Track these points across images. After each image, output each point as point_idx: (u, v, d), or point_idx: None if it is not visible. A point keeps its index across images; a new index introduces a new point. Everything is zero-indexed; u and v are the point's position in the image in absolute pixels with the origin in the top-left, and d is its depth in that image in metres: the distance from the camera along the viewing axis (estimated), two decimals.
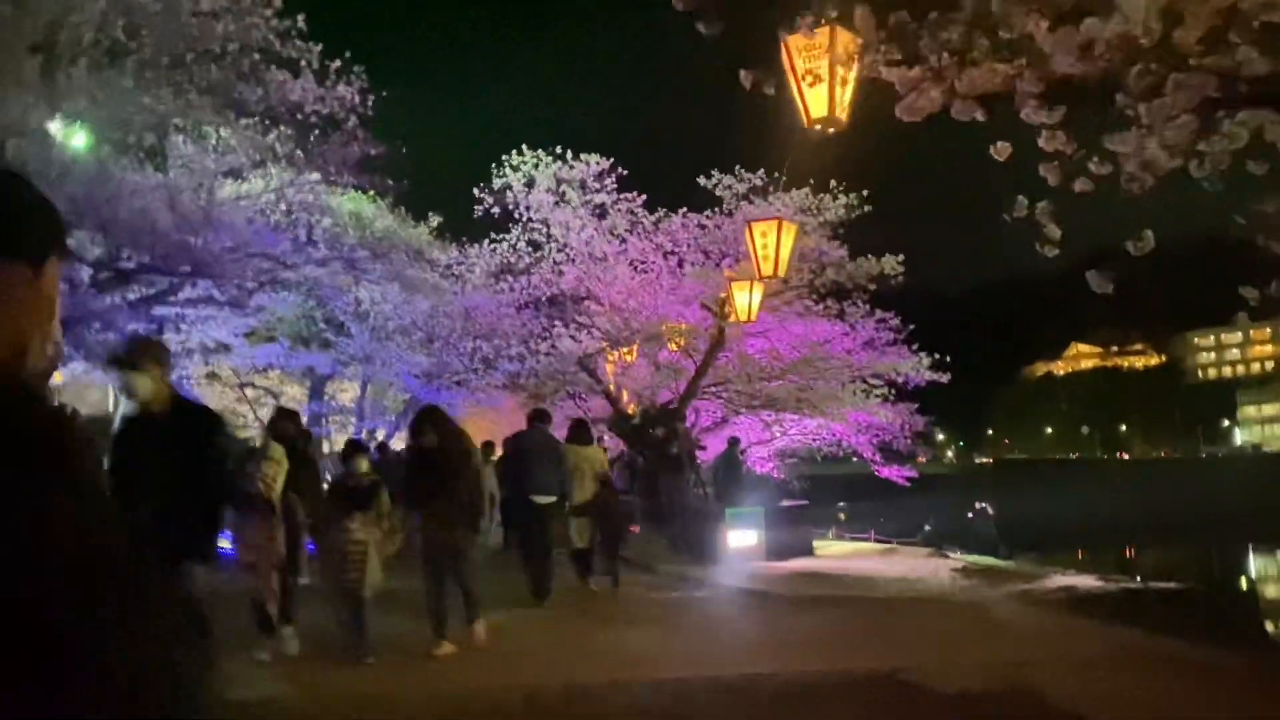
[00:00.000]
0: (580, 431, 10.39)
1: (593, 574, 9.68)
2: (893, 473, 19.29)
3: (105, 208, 10.69)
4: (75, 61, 10.14)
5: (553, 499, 9.12)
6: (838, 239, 12.24)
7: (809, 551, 11.08)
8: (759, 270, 5.79)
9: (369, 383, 21.98)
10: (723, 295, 11.89)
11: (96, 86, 10.18)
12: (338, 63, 11.04)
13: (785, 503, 11.73)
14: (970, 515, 20.53)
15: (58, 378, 22.86)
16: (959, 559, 10.75)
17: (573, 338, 15.94)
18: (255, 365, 20.46)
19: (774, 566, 10.26)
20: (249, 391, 24.91)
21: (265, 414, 24.96)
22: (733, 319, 11.47)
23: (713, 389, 13.94)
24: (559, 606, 8.67)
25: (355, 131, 12.80)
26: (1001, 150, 3.39)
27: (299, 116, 11.70)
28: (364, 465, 7.20)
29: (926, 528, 17.80)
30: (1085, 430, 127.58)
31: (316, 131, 12.61)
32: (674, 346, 13.97)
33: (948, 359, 13.78)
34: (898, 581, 9.12)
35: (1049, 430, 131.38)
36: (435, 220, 20.14)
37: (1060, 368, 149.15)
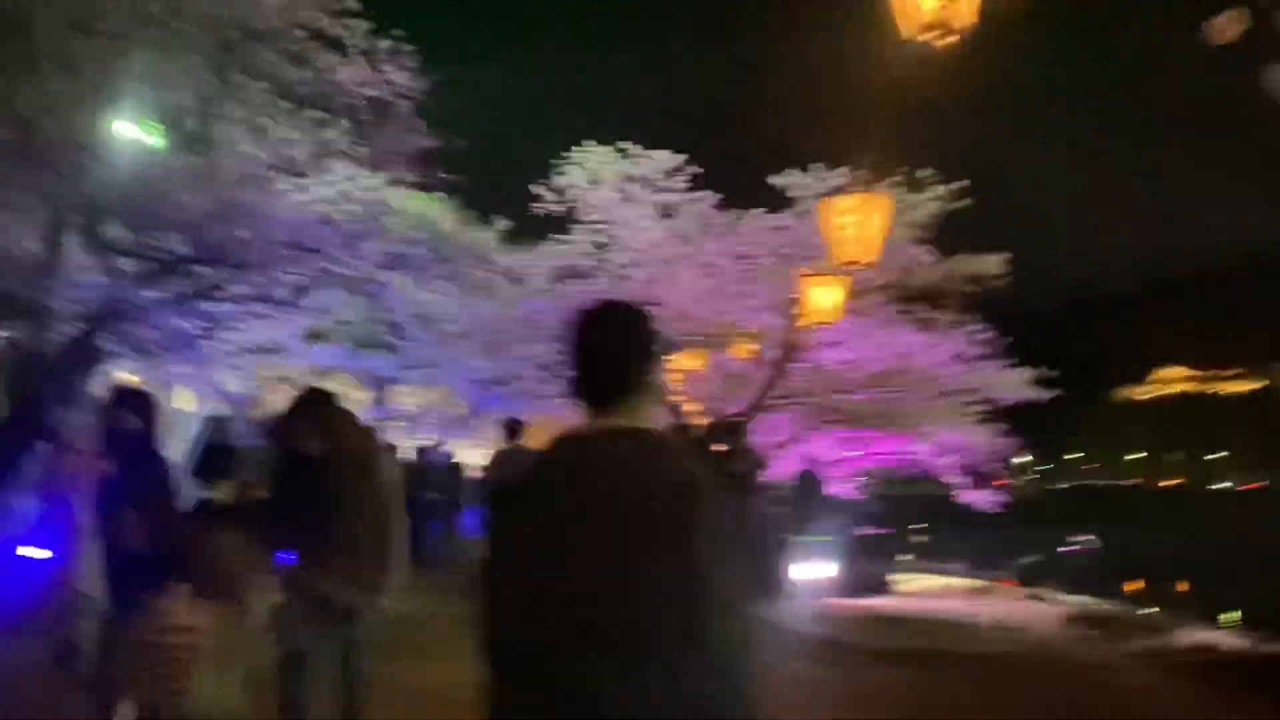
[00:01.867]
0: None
1: None
2: (980, 498, 17.97)
3: (144, 195, 10.18)
4: (116, 40, 9.66)
5: None
6: (924, 240, 11.05)
7: (888, 587, 10.04)
8: (839, 256, 4.87)
9: (429, 388, 21.40)
10: (795, 296, 10.89)
11: (138, 67, 9.69)
12: (387, 43, 10.35)
13: (863, 530, 10.67)
14: (1067, 548, 19.02)
15: (121, 378, 22.84)
16: (1064, 601, 9.52)
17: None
18: (315, 367, 20.05)
19: (849, 605, 9.21)
20: None
21: None
22: (807, 322, 10.48)
23: (784, 402, 12.90)
24: None
25: (409, 121, 12.17)
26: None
27: (349, 102, 11.07)
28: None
29: (1021, 561, 16.45)
30: (1174, 456, 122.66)
31: (369, 120, 12.02)
32: (745, 354, 12.96)
33: (1054, 373, 12.36)
34: (997, 632, 8.02)
35: (1135, 455, 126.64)
36: (501, 223, 19.65)
37: (1147, 390, 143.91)
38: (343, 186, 14.32)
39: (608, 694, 1.73)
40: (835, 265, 5.36)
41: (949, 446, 16.59)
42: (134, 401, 5.20)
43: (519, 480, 1.98)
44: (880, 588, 9.96)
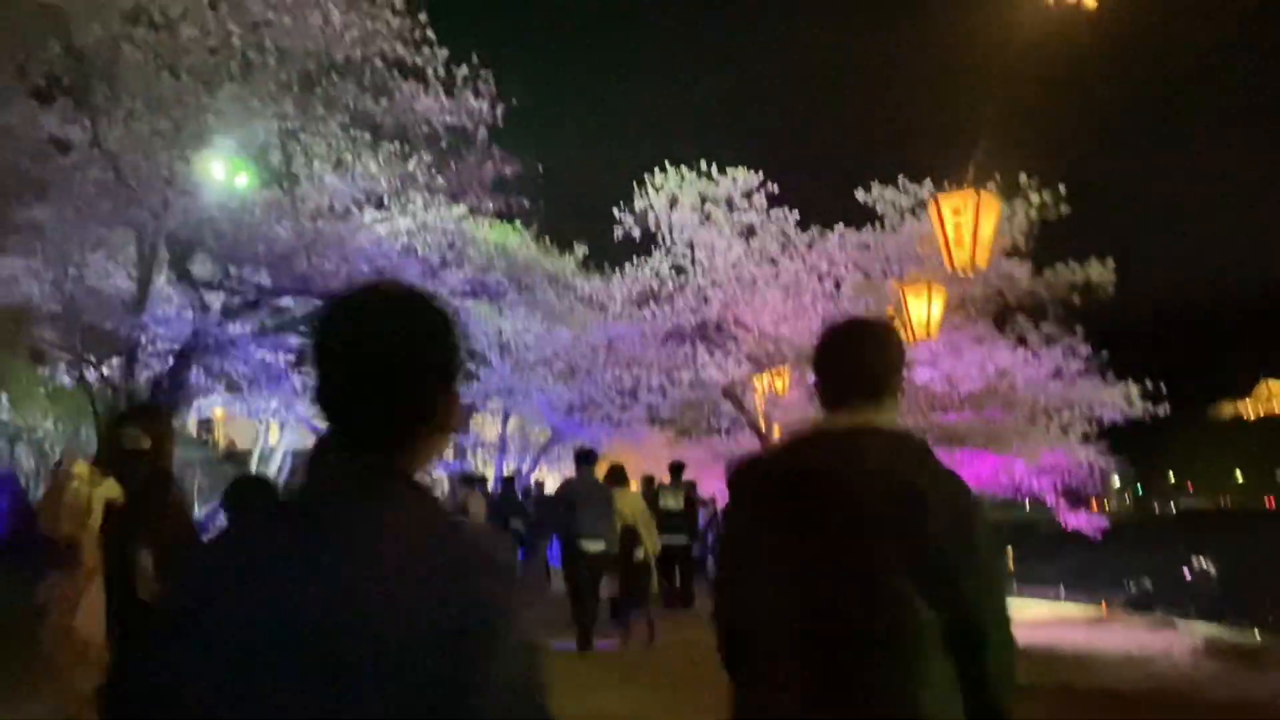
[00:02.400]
0: (616, 475, 10.37)
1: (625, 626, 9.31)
2: (1080, 520, 17.18)
3: (230, 230, 10.29)
4: (200, 75, 9.81)
5: (602, 546, 8.79)
6: (1019, 252, 10.47)
7: None
8: (949, 260, 4.60)
9: (510, 416, 21.38)
10: (890, 310, 10.44)
11: (223, 103, 9.82)
12: (465, 69, 10.32)
13: None
14: (1186, 573, 17.95)
15: (218, 414, 23.30)
16: (1193, 629, 8.78)
17: (718, 366, 14.78)
18: None
19: None
20: None
21: None
22: (904, 336, 10.04)
23: None
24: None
25: (488, 149, 12.16)
26: None
27: (428, 130, 11.08)
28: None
29: (1131, 586, 15.56)
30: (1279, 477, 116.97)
31: (447, 149, 12.05)
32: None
33: (1160, 388, 11.51)
34: (1126, 664, 7.39)
35: (1238, 476, 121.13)
36: (581, 250, 19.63)
37: (1251, 407, 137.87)
38: (423, 217, 14.47)
39: (864, 688, 1.77)
40: (948, 268, 5.04)
41: (1046, 467, 15.92)
42: (142, 418, 4.69)
43: (767, 469, 2.08)
44: None
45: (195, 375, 12.95)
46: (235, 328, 11.86)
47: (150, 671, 1.11)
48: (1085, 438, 12.83)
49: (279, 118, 10.17)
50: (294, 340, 13.83)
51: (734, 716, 1.94)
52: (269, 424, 19.08)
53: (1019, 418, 12.10)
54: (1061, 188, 9.83)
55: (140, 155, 9.49)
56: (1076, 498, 17.91)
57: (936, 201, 4.82)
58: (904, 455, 1.96)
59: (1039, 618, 9.78)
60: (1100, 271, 9.47)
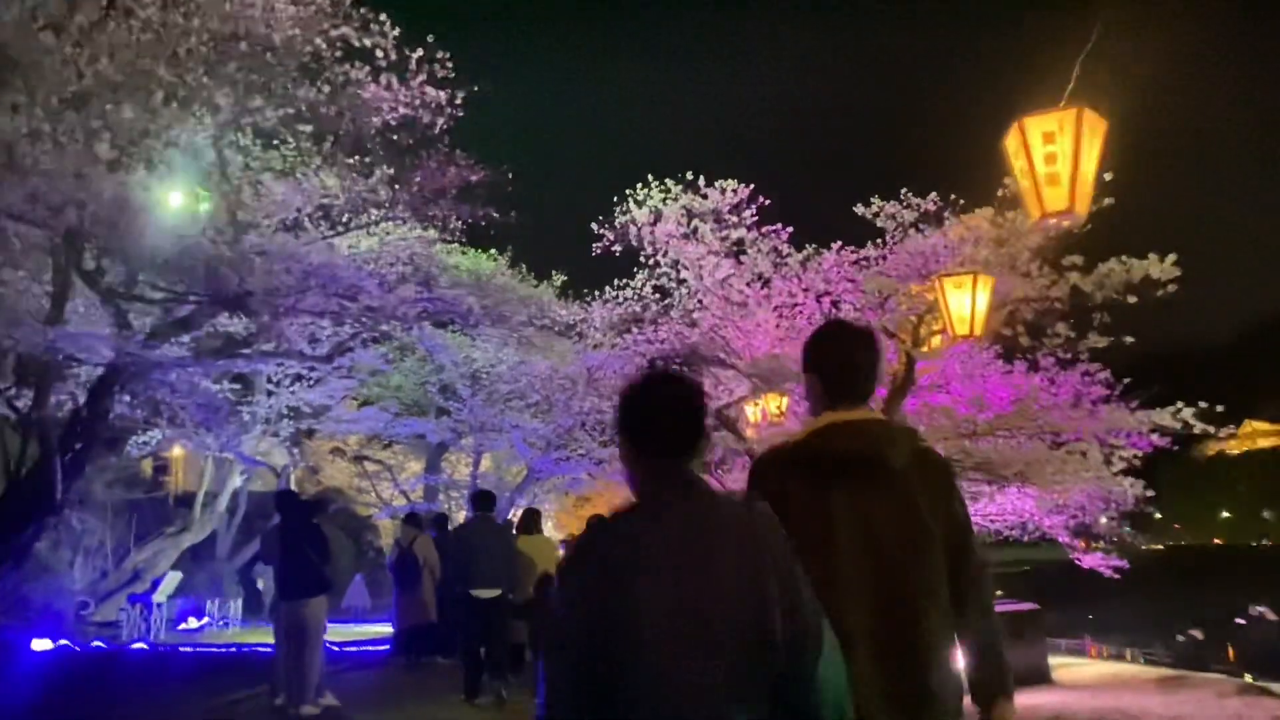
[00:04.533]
0: (529, 520, 10.52)
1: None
2: (1096, 561, 15.92)
3: (155, 238, 9.03)
4: (122, 65, 8.62)
5: (496, 593, 8.52)
6: (1043, 261, 9.22)
7: (1047, 677, 8.13)
8: (1038, 205, 3.68)
9: (483, 454, 20.08)
10: (914, 316, 9.24)
11: (144, 95, 8.62)
12: (420, 52, 9.16)
13: (1008, 604, 8.82)
14: (1242, 619, 16.53)
15: (176, 454, 21.80)
16: None
17: (709, 390, 13.59)
18: (353, 432, 18.90)
19: None
20: (367, 465, 23.61)
21: (384, 489, 23.60)
22: (935, 343, 8.79)
23: None
24: None
25: (451, 154, 11.03)
26: None
27: (381, 125, 9.93)
28: None
29: (1180, 637, 14.21)
30: (1266, 515, 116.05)
31: (405, 151, 10.91)
32: None
33: (1200, 410, 10.20)
34: None
35: (1224, 514, 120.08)
36: (559, 279, 18.55)
37: (1235, 445, 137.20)
38: (384, 235, 13.29)
39: (928, 633, 2.24)
40: (1034, 214, 3.94)
41: (1056, 503, 14.71)
42: None
43: (795, 453, 2.37)
44: (1037, 677, 8.04)
45: (123, 406, 11.65)
46: (168, 350, 10.57)
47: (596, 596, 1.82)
48: (1129, 468, 11.58)
49: (209, 109, 8.98)
50: (239, 366, 12.57)
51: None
52: (225, 462, 17.72)
53: (1037, 447, 10.86)
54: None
55: (51, 156, 8.29)
56: (1089, 535, 16.72)
57: (1022, 128, 3.70)
58: (910, 437, 2.42)
59: (1093, 679, 8.36)
60: (1160, 267, 8.26)
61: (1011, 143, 3.73)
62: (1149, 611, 16.02)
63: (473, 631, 8.68)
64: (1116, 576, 16.01)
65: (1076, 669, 9.68)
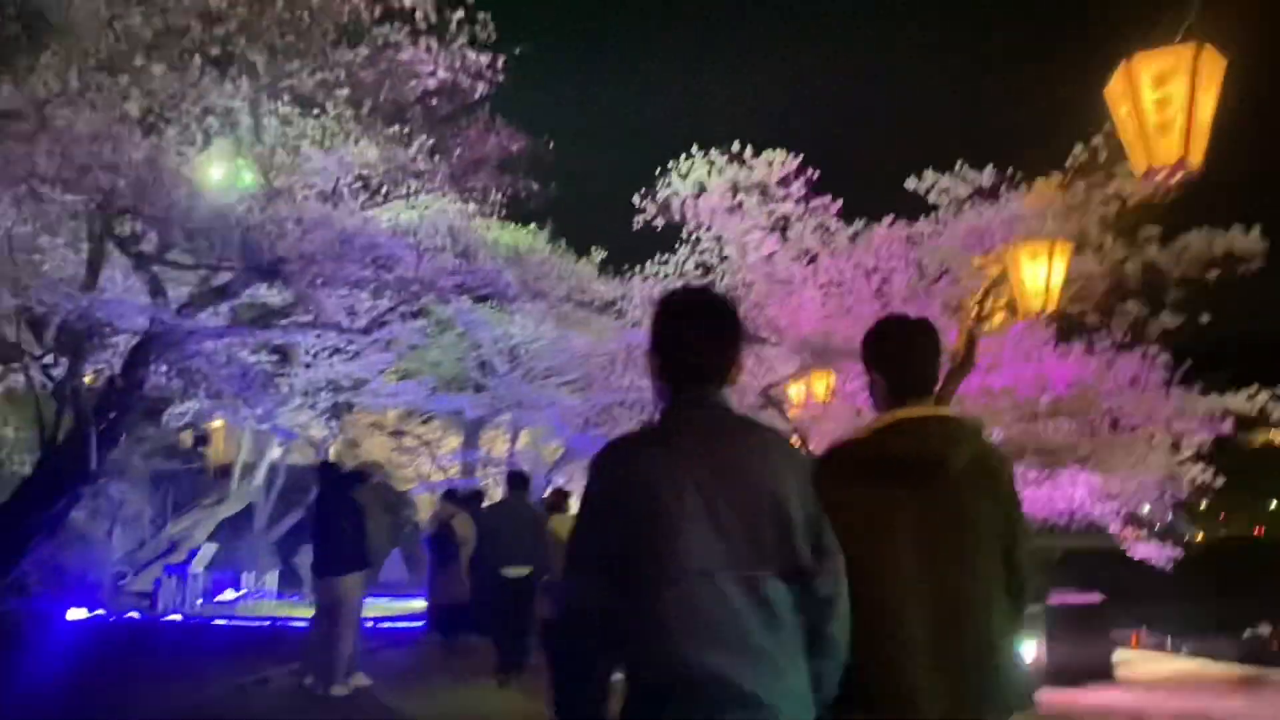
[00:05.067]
0: (558, 500, 10.56)
1: None
2: (1149, 551, 15.39)
3: (191, 203, 8.84)
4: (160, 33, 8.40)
5: (525, 571, 8.59)
6: (1116, 234, 8.69)
7: (1109, 673, 7.71)
8: (1144, 155, 3.38)
9: (520, 431, 19.89)
10: (977, 292, 8.74)
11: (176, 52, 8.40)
12: (459, 12, 8.84)
13: (1071, 596, 8.40)
14: None
15: (216, 426, 21.85)
16: None
17: (753, 368, 13.22)
18: (390, 406, 18.76)
19: (1062, 699, 6.80)
20: (405, 440, 23.54)
21: (421, 464, 23.54)
22: (998, 321, 8.35)
23: None
24: None
25: (491, 121, 10.76)
26: None
27: (420, 92, 9.67)
28: None
29: (1246, 634, 13.60)
30: None
31: (445, 120, 10.66)
32: None
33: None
34: None
35: (1273, 505, 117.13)
36: (599, 255, 18.23)
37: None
38: (423, 208, 13.03)
39: (986, 630, 2.27)
40: (1140, 167, 3.58)
41: (1112, 491, 14.20)
42: None
43: (858, 452, 2.40)
44: (1101, 673, 7.64)
45: (159, 376, 11.54)
46: (204, 319, 10.42)
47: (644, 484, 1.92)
48: (1199, 455, 11.03)
49: (245, 70, 8.75)
50: (276, 337, 12.43)
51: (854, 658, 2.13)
52: (263, 435, 17.66)
53: (1109, 431, 10.37)
54: None
55: (84, 118, 8.10)
56: (1140, 524, 16.17)
57: (1130, 70, 3.31)
58: (973, 435, 2.46)
59: (1162, 678, 7.90)
60: (1246, 240, 7.74)
61: (1117, 86, 3.35)
62: (1202, 605, 15.41)
63: (501, 610, 8.73)
64: (1168, 568, 15.50)
65: (1139, 665, 9.25)
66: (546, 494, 17.91)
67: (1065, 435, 9.48)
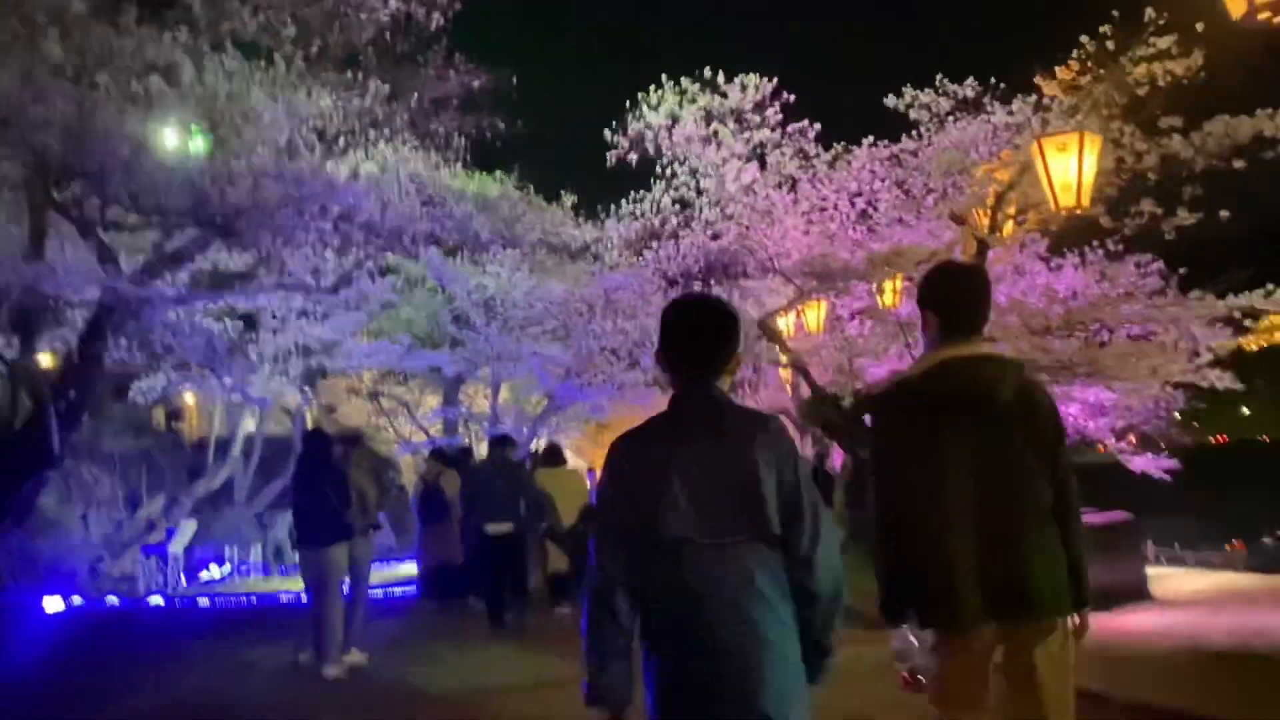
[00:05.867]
0: (551, 454, 10.84)
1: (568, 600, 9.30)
2: (1146, 464, 15.25)
3: (134, 160, 8.23)
4: None
5: (507, 527, 8.75)
6: (1136, 125, 8.07)
7: (1144, 593, 7.36)
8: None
9: (500, 384, 19.43)
10: (988, 197, 8.25)
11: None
12: None
13: (1099, 514, 8.05)
14: None
15: (189, 400, 21.21)
16: None
17: (747, 298, 12.81)
18: (366, 368, 18.24)
19: (1102, 625, 6.32)
20: (383, 402, 23.02)
21: (402, 426, 23.06)
22: (1009, 230, 7.90)
23: None
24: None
25: (446, 54, 10.15)
26: None
27: (370, 27, 9.07)
28: None
29: (1265, 540, 13.39)
30: None
31: (400, 58, 10.05)
32: (887, 298, 10.39)
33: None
34: None
35: (1244, 410, 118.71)
36: (569, 200, 17.65)
37: (1254, 340, 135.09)
38: (380, 156, 12.40)
39: (1024, 543, 2.60)
40: (1244, 12, 3.17)
41: (1106, 405, 13.99)
42: None
43: (913, 389, 2.76)
44: (1136, 593, 7.26)
45: (121, 351, 10.99)
46: (162, 287, 9.85)
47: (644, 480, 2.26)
48: (1217, 361, 10.67)
49: (184, 20, 8.12)
50: (238, 300, 11.89)
51: (908, 566, 2.64)
52: (238, 406, 17.11)
53: (1125, 341, 9.99)
54: None
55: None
56: (1140, 437, 16.01)
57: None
58: (1019, 372, 2.76)
59: (1200, 594, 7.52)
60: (1275, 123, 7.26)
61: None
62: (1209, 516, 15.23)
63: (488, 566, 8.94)
64: (1167, 478, 15.37)
65: (1166, 583, 8.93)
66: (536, 446, 17.58)
67: (1076, 348, 9.07)
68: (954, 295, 2.74)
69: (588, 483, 11.82)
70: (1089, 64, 7.17)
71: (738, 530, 2.19)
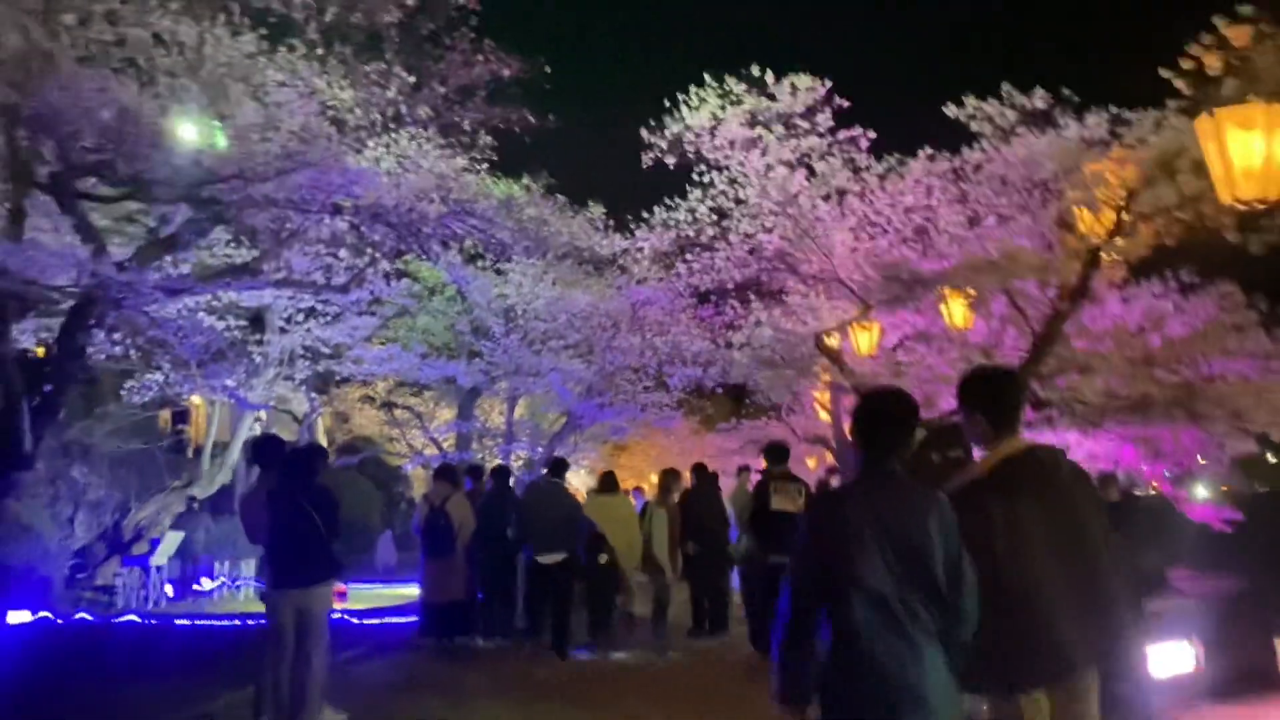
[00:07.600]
0: (606, 481, 10.43)
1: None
2: (1207, 514, 14.22)
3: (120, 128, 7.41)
4: None
5: (560, 557, 8.69)
6: None
7: (1275, 676, 6.01)
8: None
9: (518, 399, 18.52)
10: (1085, 207, 7.14)
11: None
12: None
13: (1207, 580, 7.00)
14: None
15: (196, 402, 20.45)
16: None
17: (800, 313, 11.85)
18: (377, 375, 17.39)
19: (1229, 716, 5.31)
20: (396, 413, 22.18)
21: (414, 438, 22.21)
22: (1143, 233, 6.86)
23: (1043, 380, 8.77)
24: None
25: (474, 37, 9.35)
26: None
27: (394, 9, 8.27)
28: None
29: None
30: None
31: (425, 40, 9.26)
32: (957, 317, 9.29)
33: None
34: None
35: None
36: (598, 209, 16.84)
37: None
38: (401, 152, 11.57)
39: (1104, 619, 2.95)
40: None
41: (1165, 445, 12.95)
42: None
43: (989, 481, 3.05)
44: (1263, 678, 5.85)
45: (108, 343, 10.17)
46: (157, 275, 9.01)
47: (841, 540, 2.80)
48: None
49: None
50: (241, 294, 11.08)
51: (1017, 642, 2.90)
52: (240, 412, 16.28)
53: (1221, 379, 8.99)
54: None
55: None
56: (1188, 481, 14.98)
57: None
58: (1064, 459, 3.18)
59: None
60: None
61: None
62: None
63: (537, 596, 9.04)
64: (1228, 529, 14.28)
65: None
66: (595, 475, 16.65)
67: (1173, 384, 8.05)
68: (1002, 398, 3.13)
69: (636, 507, 11.04)
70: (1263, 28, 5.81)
71: (916, 589, 2.74)
